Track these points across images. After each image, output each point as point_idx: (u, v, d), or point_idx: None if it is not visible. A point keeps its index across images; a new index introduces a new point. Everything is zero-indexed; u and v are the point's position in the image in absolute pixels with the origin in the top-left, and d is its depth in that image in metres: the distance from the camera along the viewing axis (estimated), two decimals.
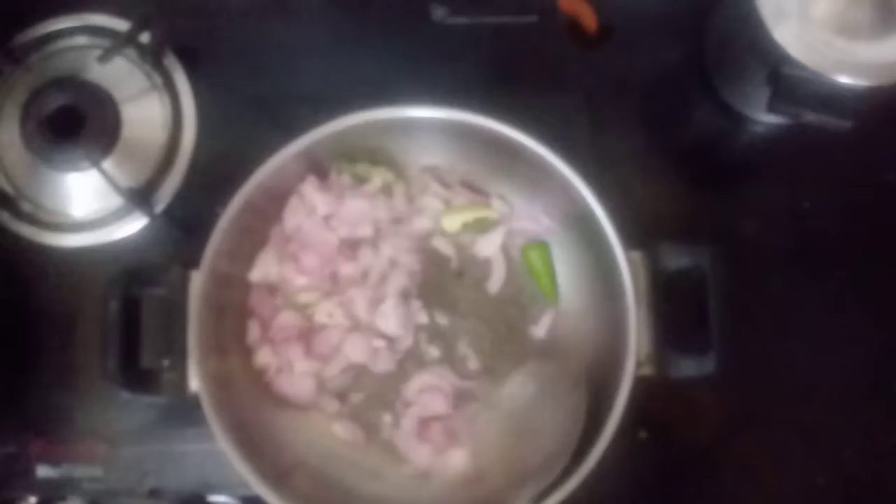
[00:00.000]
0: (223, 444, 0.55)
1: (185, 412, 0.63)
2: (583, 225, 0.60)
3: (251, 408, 0.60)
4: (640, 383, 0.56)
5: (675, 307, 0.57)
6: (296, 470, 0.60)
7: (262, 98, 0.72)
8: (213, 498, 0.67)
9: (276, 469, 0.57)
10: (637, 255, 0.58)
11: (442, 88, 0.61)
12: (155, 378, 0.58)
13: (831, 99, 0.60)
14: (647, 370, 0.56)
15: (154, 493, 0.66)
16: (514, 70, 0.74)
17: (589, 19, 0.73)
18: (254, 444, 0.57)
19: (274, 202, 0.61)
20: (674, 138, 0.75)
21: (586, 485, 0.54)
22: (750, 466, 0.67)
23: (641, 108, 0.74)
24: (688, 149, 0.76)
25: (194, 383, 0.57)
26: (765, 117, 0.71)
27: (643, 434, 0.67)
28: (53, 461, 0.66)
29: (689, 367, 0.56)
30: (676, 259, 0.57)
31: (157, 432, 0.67)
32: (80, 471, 0.66)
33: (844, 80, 0.58)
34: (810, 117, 0.61)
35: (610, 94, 0.73)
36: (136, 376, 0.58)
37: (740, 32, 0.64)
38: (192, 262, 0.58)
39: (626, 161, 0.71)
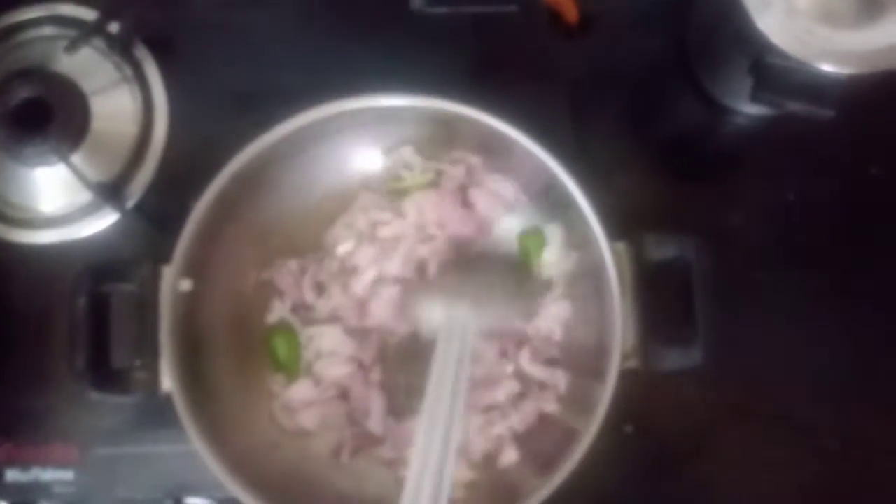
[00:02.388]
0: (197, 445, 0.53)
1: (159, 413, 0.61)
2: (566, 215, 0.59)
3: (226, 407, 0.59)
4: (626, 377, 0.55)
5: (661, 299, 0.56)
6: (273, 470, 0.58)
7: (236, 90, 0.70)
8: (188, 500, 0.66)
9: (253, 470, 0.55)
10: (621, 245, 0.57)
11: (421, 79, 0.60)
12: (126, 377, 0.56)
13: (814, 88, 0.59)
14: (633, 363, 0.55)
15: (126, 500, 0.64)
16: (495, 61, 0.72)
17: (569, 10, 0.72)
18: (229, 444, 0.55)
19: (249, 194, 0.59)
20: (657, 130, 0.75)
21: (571, 480, 0.53)
22: (736, 460, 0.67)
23: (624, 100, 0.73)
24: (671, 141, 0.75)
25: (166, 383, 0.55)
26: (748, 108, 0.71)
27: (628, 429, 0.66)
28: (22, 465, 0.64)
29: (674, 360, 0.55)
30: (661, 250, 0.56)
31: (130, 434, 0.65)
32: (50, 475, 0.64)
33: (827, 68, 0.58)
34: (793, 106, 0.60)
35: (592, 85, 0.72)
36: (106, 376, 0.56)
37: (723, 22, 0.64)
38: (164, 257, 0.56)
39: (609, 153, 0.70)
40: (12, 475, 0.64)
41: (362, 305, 0.63)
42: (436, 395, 0.51)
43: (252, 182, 0.58)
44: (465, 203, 0.64)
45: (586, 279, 0.61)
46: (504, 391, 0.62)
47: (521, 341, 0.63)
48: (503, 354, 0.63)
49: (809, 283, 0.69)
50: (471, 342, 0.56)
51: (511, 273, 0.63)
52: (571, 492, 0.53)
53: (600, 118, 0.72)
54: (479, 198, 0.64)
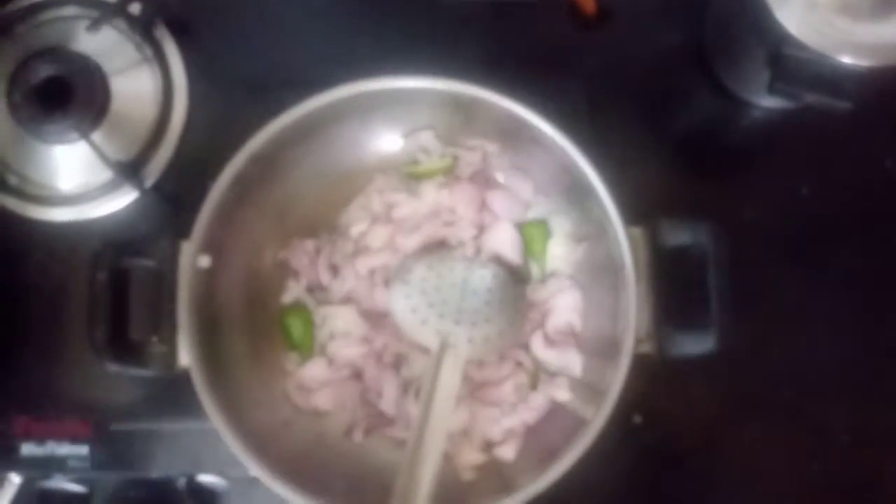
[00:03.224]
0: (213, 420, 0.54)
1: (174, 390, 0.62)
2: (582, 200, 0.59)
3: (241, 385, 0.59)
4: (636, 366, 0.55)
5: (676, 284, 0.56)
6: (287, 448, 0.59)
7: (254, 73, 0.70)
8: (202, 477, 0.66)
9: (267, 447, 0.56)
10: (637, 230, 0.57)
11: (439, 66, 0.59)
12: (144, 351, 0.56)
13: (832, 80, 0.59)
14: (646, 348, 0.55)
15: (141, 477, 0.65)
16: (513, 51, 0.73)
17: (587, 1, 0.72)
18: (244, 421, 0.56)
19: (266, 174, 0.60)
20: (673, 122, 0.75)
21: (579, 470, 0.53)
22: (745, 452, 0.67)
23: (641, 92, 0.73)
24: (687, 133, 0.75)
25: (184, 357, 0.55)
26: (764, 101, 0.71)
27: (637, 419, 0.66)
28: (38, 439, 0.65)
29: (688, 345, 0.55)
30: (677, 235, 0.56)
31: (146, 411, 0.65)
32: (65, 449, 0.64)
33: (846, 60, 0.58)
34: (811, 98, 0.60)
35: (609, 76, 0.72)
36: (125, 349, 0.56)
37: (741, 13, 0.64)
38: (183, 234, 0.56)
39: (625, 145, 0.70)
40: (28, 449, 0.64)
41: (373, 288, 0.63)
42: (426, 405, 0.53)
43: (269, 162, 0.59)
44: (482, 206, 0.64)
45: (598, 268, 0.61)
46: (511, 385, 0.62)
47: (533, 328, 0.63)
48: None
49: (824, 278, 0.69)
50: (461, 363, 0.56)
51: (507, 286, 0.62)
52: (579, 483, 0.53)
53: (617, 110, 0.72)
54: (496, 199, 0.64)
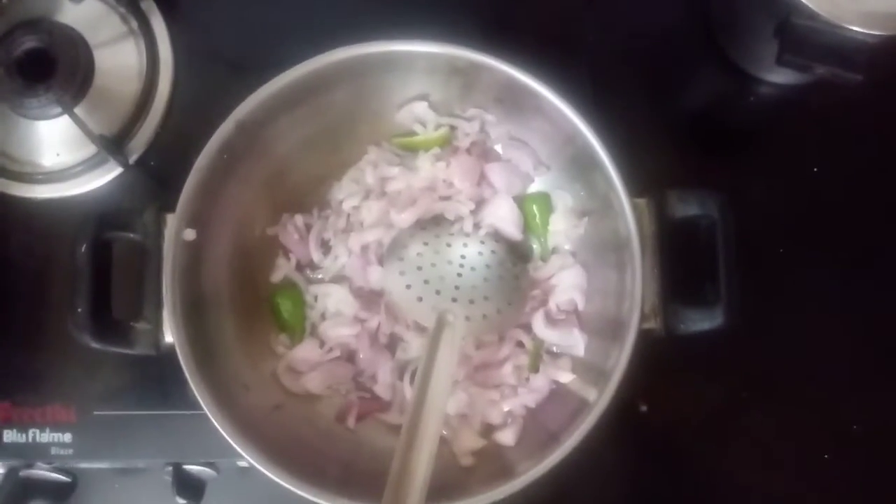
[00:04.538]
0: (200, 400, 0.52)
1: (158, 375, 0.62)
2: (585, 172, 0.57)
3: (229, 366, 0.57)
4: (642, 350, 0.53)
5: (683, 258, 0.54)
6: (277, 433, 0.56)
7: (243, 44, 0.69)
8: (190, 466, 0.64)
9: (256, 431, 0.53)
10: (642, 202, 0.55)
11: (438, 32, 0.58)
12: (127, 330, 0.54)
13: (842, 50, 0.58)
14: (653, 324, 0.54)
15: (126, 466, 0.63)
16: (513, 22, 0.71)
17: None
18: (232, 403, 0.54)
19: (253, 145, 0.57)
20: (678, 98, 0.73)
21: (582, 455, 0.51)
22: (754, 440, 0.65)
23: (645, 67, 0.72)
24: (692, 109, 0.73)
25: (169, 336, 0.53)
26: (772, 76, 0.69)
27: (643, 407, 0.65)
28: (20, 426, 0.63)
29: (696, 321, 0.53)
30: (684, 206, 0.54)
31: (132, 395, 0.64)
32: (48, 436, 0.62)
33: (857, 29, 0.56)
34: (820, 70, 0.59)
35: (612, 49, 0.71)
36: (107, 327, 0.54)
37: None
38: (168, 208, 0.55)
39: (628, 120, 0.68)
40: (9, 436, 0.62)
41: (367, 265, 0.61)
42: (422, 386, 0.51)
43: (257, 132, 0.57)
44: (481, 178, 0.62)
45: (602, 243, 0.59)
46: (511, 367, 0.60)
47: (534, 307, 0.61)
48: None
49: (835, 258, 0.68)
50: (458, 341, 0.54)
51: (506, 263, 0.61)
52: (583, 472, 0.52)
53: (620, 84, 0.70)
54: (495, 172, 0.62)
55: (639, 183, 0.55)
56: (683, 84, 0.73)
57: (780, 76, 0.68)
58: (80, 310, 0.53)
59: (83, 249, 0.53)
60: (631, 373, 0.52)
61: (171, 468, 0.63)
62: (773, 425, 0.65)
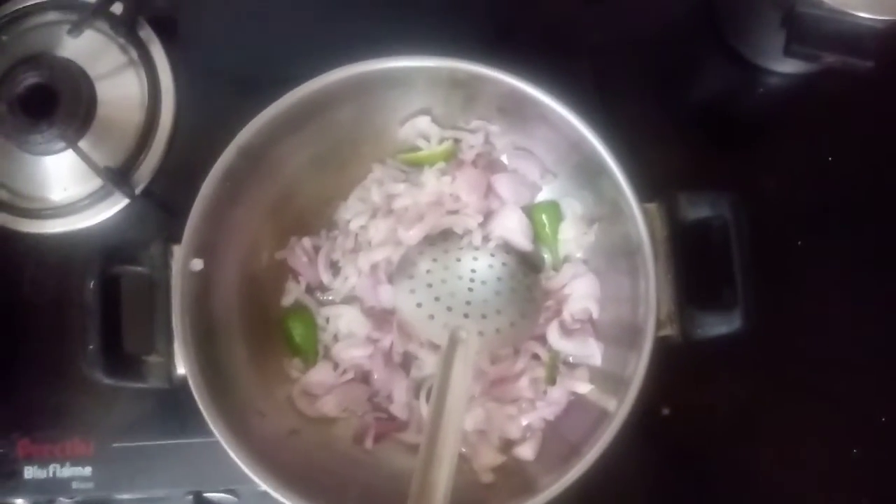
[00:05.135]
0: (215, 431, 0.51)
1: (175, 404, 0.62)
2: (593, 179, 0.56)
3: (243, 393, 0.56)
4: (660, 352, 0.52)
5: (697, 261, 0.53)
6: (294, 458, 0.56)
7: (244, 69, 0.68)
8: (209, 494, 0.63)
9: (273, 457, 0.53)
10: (653, 206, 0.54)
11: (437, 48, 0.57)
12: (139, 363, 0.54)
13: (851, 37, 0.56)
14: (669, 330, 0.52)
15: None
16: (513, 28, 0.70)
17: None
18: (247, 431, 0.53)
19: (257, 169, 0.57)
20: (686, 94, 0.72)
21: (605, 464, 0.51)
22: (782, 440, 0.64)
23: (650, 64, 0.71)
24: (701, 105, 0.72)
25: (181, 367, 0.53)
26: (780, 67, 0.68)
27: (665, 411, 0.63)
28: (40, 462, 0.63)
29: (714, 325, 0.52)
30: (695, 209, 0.53)
31: (148, 426, 0.63)
32: (68, 471, 0.63)
33: (865, 15, 0.55)
34: (830, 59, 0.58)
35: (616, 49, 0.70)
36: (119, 362, 0.54)
37: None
38: (175, 239, 0.54)
39: (636, 119, 0.68)
40: (30, 472, 0.63)
41: (377, 285, 0.60)
42: (438, 403, 0.50)
43: (261, 156, 0.56)
44: (488, 190, 0.62)
45: (613, 250, 0.58)
46: (528, 380, 0.59)
47: (548, 318, 0.60)
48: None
49: (852, 250, 0.66)
50: (473, 357, 0.53)
51: (517, 274, 0.60)
52: (606, 480, 0.51)
53: (625, 84, 0.69)
54: (501, 183, 0.61)
55: (649, 185, 0.54)
56: (690, 80, 0.72)
57: (789, 66, 0.67)
58: (91, 347, 0.52)
59: (91, 286, 0.53)
60: (651, 377, 0.51)
61: (191, 497, 0.63)
62: (798, 423, 0.64)
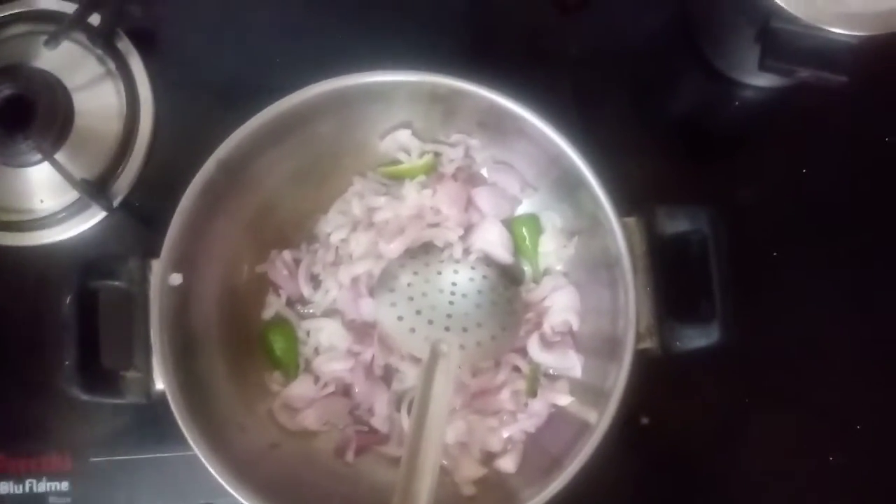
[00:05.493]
0: (194, 446, 0.51)
1: (153, 418, 0.61)
2: (572, 192, 0.57)
3: (223, 408, 0.56)
4: (641, 362, 0.52)
5: (676, 275, 0.54)
6: (275, 472, 0.56)
7: (223, 80, 0.68)
8: None
9: (254, 472, 0.53)
10: (632, 220, 0.54)
11: (416, 59, 0.57)
12: (117, 378, 0.54)
13: (825, 52, 0.57)
14: (649, 343, 0.53)
15: None
16: (491, 38, 0.70)
17: None
18: (228, 445, 0.53)
19: (237, 183, 0.57)
20: (663, 108, 0.73)
21: (585, 475, 0.51)
22: (760, 449, 0.64)
23: (627, 78, 0.71)
24: (677, 118, 0.73)
25: (160, 382, 0.52)
26: (756, 80, 0.69)
27: (644, 420, 0.64)
28: (16, 477, 0.62)
29: (693, 338, 0.53)
30: (674, 223, 0.53)
31: (127, 440, 0.63)
32: (45, 485, 0.62)
33: (838, 31, 0.56)
34: (804, 74, 0.58)
35: (593, 63, 0.70)
36: (97, 378, 0.53)
37: None
38: (153, 253, 0.54)
39: (613, 133, 0.68)
40: (5, 487, 0.62)
41: (358, 298, 0.60)
42: (419, 416, 0.50)
43: (240, 169, 0.56)
44: (468, 204, 0.62)
45: (593, 263, 0.58)
46: (509, 392, 0.59)
47: (529, 330, 0.60)
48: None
49: (828, 260, 0.67)
50: (454, 370, 0.53)
51: (498, 287, 0.60)
52: (585, 491, 0.51)
53: (603, 97, 0.70)
54: (482, 196, 0.61)
55: (627, 198, 0.55)
56: (667, 93, 0.73)
57: (764, 80, 0.68)
58: (67, 363, 0.52)
59: (68, 301, 0.52)
60: (630, 387, 0.52)
61: None
62: (775, 431, 0.64)
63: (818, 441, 0.65)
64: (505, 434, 0.59)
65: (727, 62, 0.69)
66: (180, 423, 0.51)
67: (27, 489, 0.62)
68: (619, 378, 0.51)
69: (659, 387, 0.59)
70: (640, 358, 0.52)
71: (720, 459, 0.64)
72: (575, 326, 0.60)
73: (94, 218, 0.66)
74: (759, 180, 0.68)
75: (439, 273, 0.59)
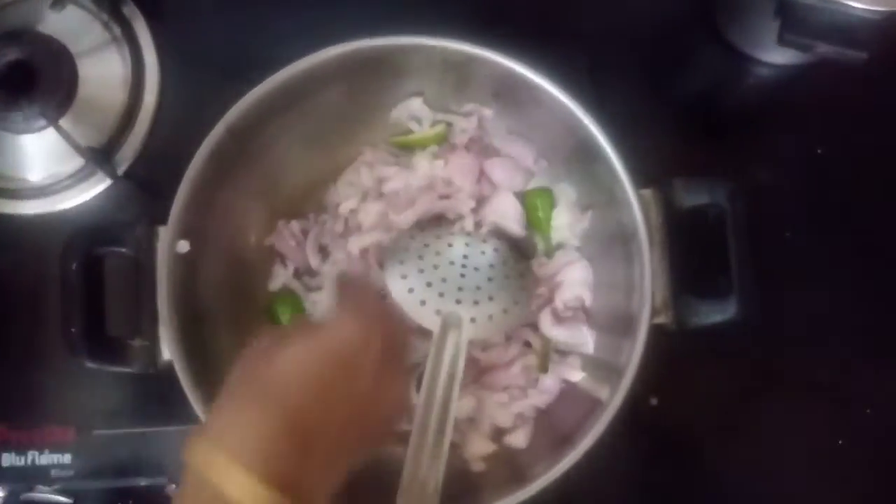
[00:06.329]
0: (200, 414, 0.50)
1: (160, 388, 0.58)
2: (587, 164, 0.56)
3: None
4: (652, 341, 0.51)
5: (692, 249, 0.53)
6: None
7: (231, 48, 0.67)
8: None
9: None
10: (648, 192, 0.53)
11: (431, 27, 0.56)
12: (123, 347, 0.53)
13: (845, 28, 0.56)
14: (664, 318, 0.52)
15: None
16: (507, 14, 0.69)
17: None
18: None
19: (245, 150, 0.56)
20: (679, 84, 0.72)
21: (593, 453, 0.50)
22: (767, 431, 0.64)
23: (644, 53, 0.70)
24: (695, 94, 0.72)
25: (166, 352, 0.52)
26: (774, 57, 0.68)
27: (654, 401, 0.63)
28: (18, 449, 0.61)
29: (708, 313, 0.52)
30: (692, 196, 0.53)
31: (131, 413, 0.62)
32: (46, 458, 0.61)
33: (859, 6, 0.55)
34: (822, 49, 0.57)
35: (611, 37, 0.69)
36: (103, 346, 0.53)
37: None
38: (160, 220, 0.53)
39: (629, 108, 0.67)
40: (8, 459, 0.61)
41: (367, 269, 0.59)
42: (429, 391, 0.50)
43: (249, 137, 0.55)
44: (481, 175, 0.61)
45: (608, 236, 0.58)
46: (519, 367, 0.59)
47: (541, 305, 0.59)
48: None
49: (843, 242, 0.66)
50: (465, 344, 0.52)
51: (510, 261, 0.59)
52: (593, 468, 0.50)
53: (620, 72, 0.69)
54: (494, 168, 0.61)
55: (643, 172, 0.54)
56: (684, 69, 0.72)
57: (782, 56, 0.67)
58: (73, 329, 0.51)
59: (74, 267, 0.52)
60: (642, 366, 0.51)
61: (174, 486, 0.61)
62: (785, 413, 0.64)
63: (827, 425, 0.64)
64: (515, 410, 0.58)
65: (745, 38, 0.68)
66: (187, 391, 0.51)
67: (29, 461, 0.61)
68: (633, 354, 0.51)
69: (669, 368, 0.58)
70: (652, 336, 0.51)
71: (728, 441, 0.64)
72: (588, 302, 0.59)
73: (98, 186, 0.65)
74: (776, 159, 0.68)
75: (450, 245, 0.58)
